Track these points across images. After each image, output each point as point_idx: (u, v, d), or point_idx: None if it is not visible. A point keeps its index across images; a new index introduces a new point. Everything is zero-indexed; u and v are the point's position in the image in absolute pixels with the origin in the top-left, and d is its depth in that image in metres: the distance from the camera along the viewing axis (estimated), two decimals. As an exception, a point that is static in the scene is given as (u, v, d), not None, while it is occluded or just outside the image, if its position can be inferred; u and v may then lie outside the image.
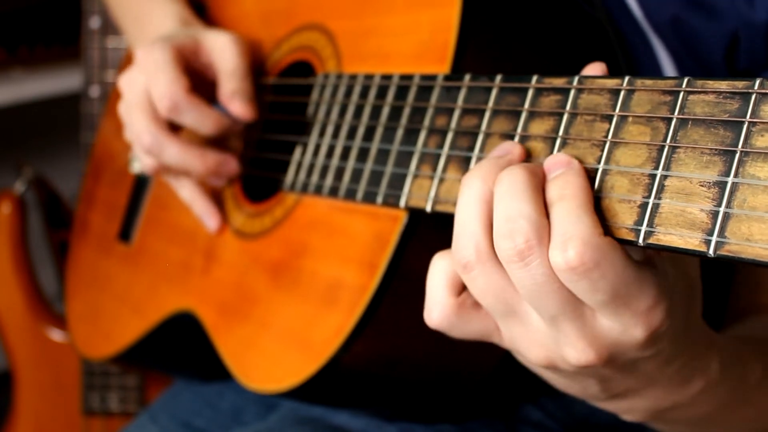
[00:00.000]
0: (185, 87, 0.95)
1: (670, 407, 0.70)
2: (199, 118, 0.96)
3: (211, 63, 1.01)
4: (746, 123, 0.53)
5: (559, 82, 0.64)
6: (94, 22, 1.59)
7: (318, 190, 0.88)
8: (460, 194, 0.62)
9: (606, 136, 0.60)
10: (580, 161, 0.61)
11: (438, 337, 0.83)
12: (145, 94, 0.97)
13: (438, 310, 0.66)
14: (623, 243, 0.57)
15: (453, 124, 0.71)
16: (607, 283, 0.56)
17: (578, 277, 0.56)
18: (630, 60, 0.86)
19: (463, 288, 0.66)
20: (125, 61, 1.38)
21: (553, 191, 0.59)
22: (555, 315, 0.59)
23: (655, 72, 0.86)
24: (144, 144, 0.98)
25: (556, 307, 0.58)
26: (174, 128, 0.99)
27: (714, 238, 0.52)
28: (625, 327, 0.59)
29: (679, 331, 0.62)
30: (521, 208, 0.57)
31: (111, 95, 1.42)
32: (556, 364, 0.63)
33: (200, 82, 1.01)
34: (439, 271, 0.66)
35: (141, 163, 1.03)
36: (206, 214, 1.03)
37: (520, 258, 0.57)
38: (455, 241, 0.62)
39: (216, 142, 1.02)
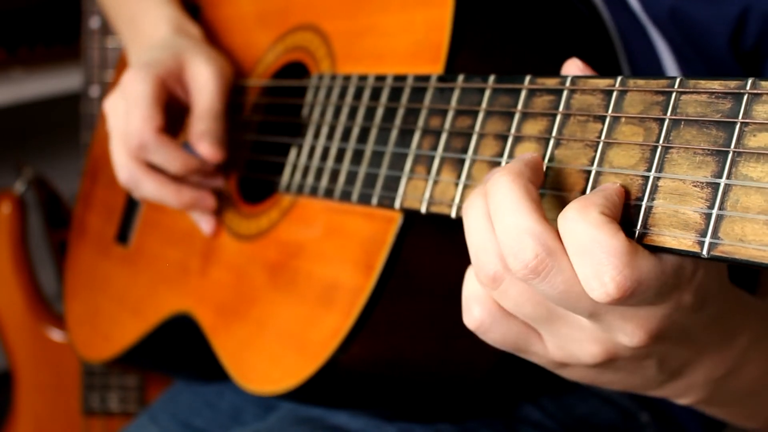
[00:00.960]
0: (156, 127, 0.97)
1: (723, 374, 0.69)
2: (167, 159, 0.98)
3: (191, 93, 1.02)
4: (738, 123, 0.52)
5: (552, 82, 0.64)
6: (94, 22, 1.59)
7: (313, 191, 0.87)
8: (465, 216, 0.61)
9: (599, 137, 0.59)
10: (573, 162, 0.60)
11: (435, 336, 0.83)
12: (124, 124, 0.99)
13: (478, 305, 0.64)
14: None
15: (447, 125, 0.71)
16: (651, 290, 0.55)
17: (624, 301, 0.55)
18: (629, 54, 0.86)
19: None
20: (120, 62, 1.38)
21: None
22: (592, 311, 0.58)
23: (655, 65, 0.86)
24: (121, 179, 1.01)
25: (590, 306, 0.57)
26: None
27: (707, 239, 0.52)
28: (675, 301, 0.58)
29: (717, 287, 0.61)
30: (520, 223, 0.56)
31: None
32: (614, 355, 0.61)
33: (180, 108, 1.02)
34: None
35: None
36: (201, 219, 1.04)
37: (535, 274, 0.56)
38: (476, 262, 0.60)
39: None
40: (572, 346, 0.62)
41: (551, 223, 0.57)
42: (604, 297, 0.54)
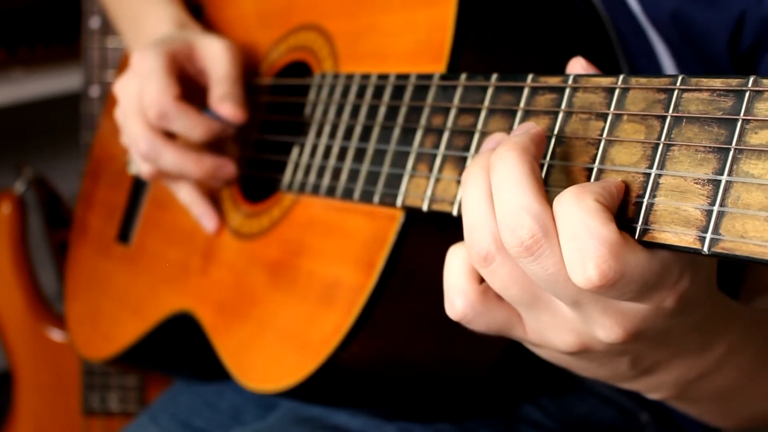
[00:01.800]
0: (174, 95, 0.96)
1: (696, 377, 0.69)
2: (189, 125, 0.97)
3: (204, 69, 1.01)
4: (740, 120, 0.53)
5: (554, 80, 0.64)
6: (94, 22, 1.59)
7: (315, 190, 0.88)
8: (464, 190, 0.61)
9: (601, 135, 0.60)
10: (575, 159, 0.61)
11: (435, 335, 0.83)
12: (138, 100, 0.98)
13: (461, 298, 0.64)
14: None
15: (449, 124, 0.72)
16: (634, 285, 0.55)
17: (605, 291, 0.55)
18: (628, 55, 0.86)
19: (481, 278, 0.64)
20: (122, 62, 1.38)
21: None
22: (576, 299, 0.58)
23: (654, 66, 0.86)
24: (141, 150, 0.99)
25: (575, 293, 0.57)
26: (171, 133, 1.00)
27: (708, 236, 0.52)
28: (657, 303, 0.58)
29: (703, 293, 0.61)
30: (520, 200, 0.56)
31: (109, 96, 1.42)
32: (589, 347, 0.62)
33: (193, 87, 1.02)
34: (457, 260, 0.65)
35: (138, 168, 1.04)
36: (204, 216, 1.04)
37: (529, 253, 0.56)
38: (469, 237, 0.61)
39: (213, 146, 1.02)
40: (549, 332, 0.63)
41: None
42: (585, 283, 0.54)
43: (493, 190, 0.58)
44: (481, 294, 0.64)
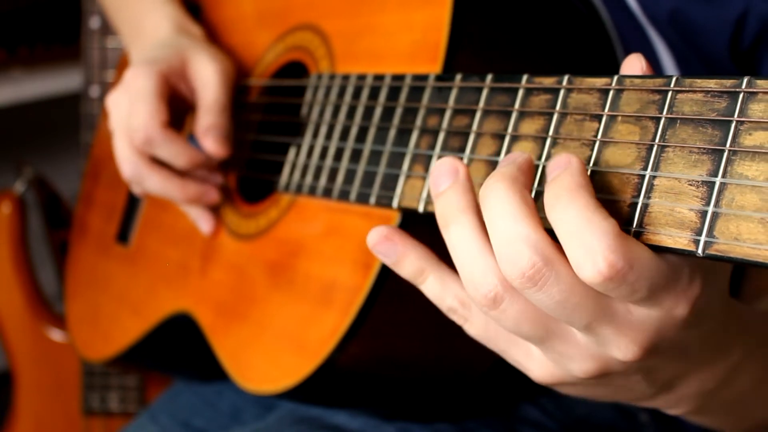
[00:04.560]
0: (162, 121, 0.96)
1: (714, 387, 0.68)
2: (173, 153, 0.98)
3: (195, 89, 1.02)
4: (734, 122, 0.52)
5: (548, 81, 0.64)
6: (94, 22, 1.59)
7: (312, 191, 0.88)
8: (448, 236, 0.60)
9: (595, 136, 0.60)
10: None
11: (433, 335, 0.83)
12: (127, 120, 0.98)
13: (465, 322, 0.65)
14: None
15: (444, 125, 0.71)
16: (645, 281, 0.54)
17: (616, 284, 0.53)
18: (627, 53, 0.86)
19: None
20: (121, 62, 1.38)
21: (550, 198, 0.56)
22: (588, 323, 0.57)
23: (653, 65, 0.86)
24: (125, 173, 1.01)
25: (586, 316, 0.56)
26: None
27: (703, 238, 0.52)
28: (667, 310, 0.57)
29: (716, 303, 0.61)
30: (517, 230, 0.55)
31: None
32: (607, 370, 0.61)
33: (184, 105, 1.02)
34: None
35: (129, 186, 1.05)
36: (201, 218, 1.04)
37: (533, 282, 0.55)
38: (469, 283, 0.59)
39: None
40: (567, 362, 0.62)
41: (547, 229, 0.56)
42: (596, 276, 0.53)
43: (487, 225, 0.57)
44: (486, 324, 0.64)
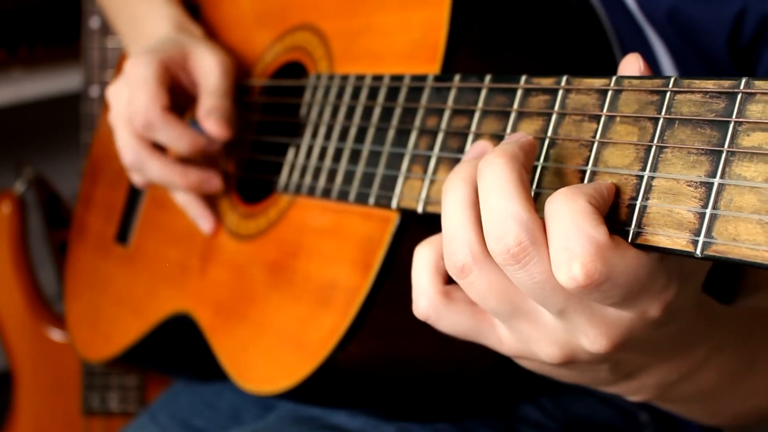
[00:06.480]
0: (162, 105, 0.96)
1: (676, 380, 0.69)
2: (174, 137, 0.97)
3: (197, 80, 1.01)
4: (732, 123, 0.52)
5: (547, 82, 0.64)
6: (94, 22, 1.59)
7: (311, 191, 0.88)
8: (444, 200, 0.60)
9: (594, 136, 0.60)
10: (568, 161, 0.60)
11: (433, 335, 0.83)
12: (127, 107, 0.98)
13: (424, 298, 0.64)
14: None
15: (443, 125, 0.71)
16: (619, 289, 0.55)
17: (589, 291, 0.54)
18: (625, 53, 0.86)
19: (449, 277, 0.64)
20: (120, 62, 1.38)
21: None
22: (562, 308, 0.58)
23: (651, 64, 0.86)
24: (126, 160, 1.00)
25: (563, 301, 0.57)
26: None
27: (701, 239, 0.52)
28: (641, 311, 0.57)
29: (689, 305, 0.61)
30: (508, 207, 0.55)
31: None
32: (573, 358, 0.61)
33: (186, 96, 1.02)
34: (422, 259, 0.64)
35: (130, 176, 1.04)
36: (201, 217, 1.04)
37: (516, 260, 0.55)
38: (446, 247, 0.60)
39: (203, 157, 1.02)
40: (531, 344, 0.62)
41: (539, 214, 0.56)
42: (570, 282, 0.53)
43: (480, 197, 0.57)
44: (443, 295, 0.64)
